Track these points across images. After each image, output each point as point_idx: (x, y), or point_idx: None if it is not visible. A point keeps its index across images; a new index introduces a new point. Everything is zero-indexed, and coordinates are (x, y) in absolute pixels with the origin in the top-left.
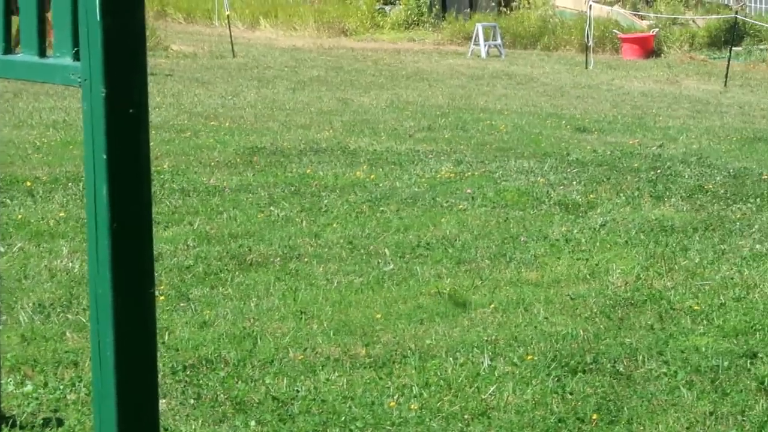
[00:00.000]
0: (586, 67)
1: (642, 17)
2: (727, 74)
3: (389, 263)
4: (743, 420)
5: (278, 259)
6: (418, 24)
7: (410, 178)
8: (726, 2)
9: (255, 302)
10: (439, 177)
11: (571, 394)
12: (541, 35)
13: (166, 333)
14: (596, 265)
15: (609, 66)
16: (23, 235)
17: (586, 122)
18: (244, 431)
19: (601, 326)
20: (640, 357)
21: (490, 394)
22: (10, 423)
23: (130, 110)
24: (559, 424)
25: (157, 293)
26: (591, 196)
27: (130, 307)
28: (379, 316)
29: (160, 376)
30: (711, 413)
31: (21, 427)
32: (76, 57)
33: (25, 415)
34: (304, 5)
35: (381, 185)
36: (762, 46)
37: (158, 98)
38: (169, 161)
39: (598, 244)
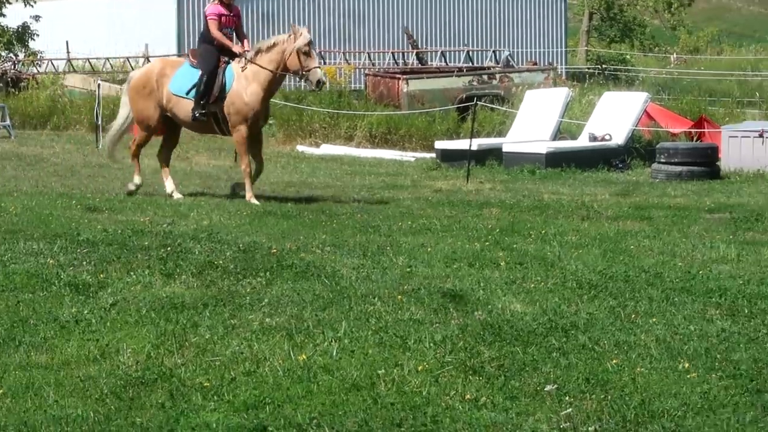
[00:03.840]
0: (97, 146)
1: None
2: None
3: None
4: None
5: None
6: None
7: None
8: None
9: None
10: None
11: None
12: (51, 115)
13: None
14: (107, 345)
15: None
16: None
17: (97, 201)
18: None
19: (112, 407)
20: None
21: None
22: None
23: None
24: None
25: None
26: (101, 275)
27: None
28: None
29: None
30: None
31: None
32: None
33: None
34: None
35: None
36: (270, 121)
37: None
38: None
39: (108, 323)
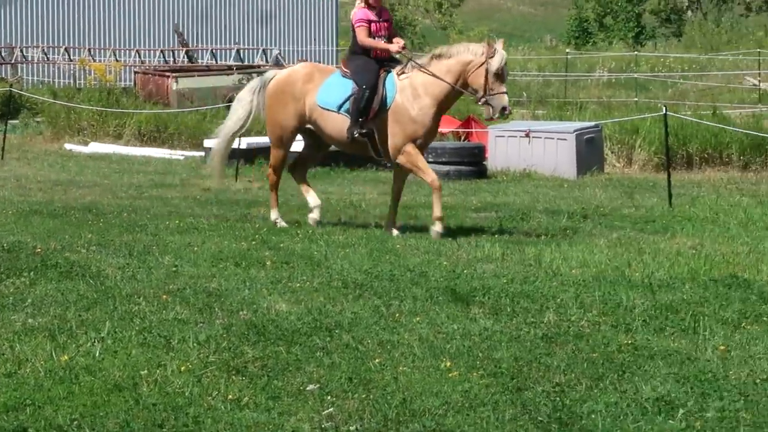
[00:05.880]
0: None
1: None
2: (3, 147)
3: None
4: None
5: None
6: None
7: None
8: (2, 75)
9: None
10: None
11: None
12: None
13: None
14: None
15: None
16: None
17: None
18: None
19: None
20: None
21: None
22: None
23: None
24: None
25: None
26: None
27: None
28: None
29: None
30: None
31: None
32: None
33: None
34: None
35: None
36: (38, 119)
37: None
38: None
39: None
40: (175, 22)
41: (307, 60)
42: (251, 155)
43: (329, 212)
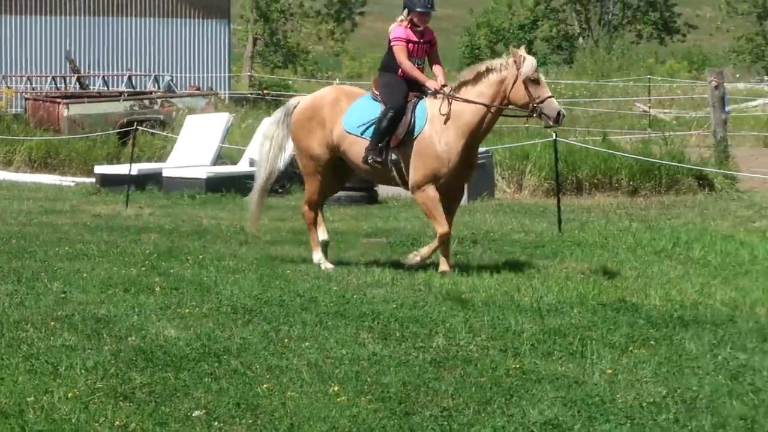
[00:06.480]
0: None
1: None
2: None
3: None
4: None
5: None
6: None
7: None
8: None
9: None
10: None
11: None
12: None
13: None
14: None
15: None
16: None
17: None
18: None
19: None
20: None
21: None
22: None
23: None
24: None
25: None
26: None
27: None
28: None
29: None
30: None
31: None
32: None
33: None
34: None
35: None
36: None
37: None
38: None
39: None
40: (67, 48)
41: (199, 87)
42: (143, 181)
43: (219, 238)
